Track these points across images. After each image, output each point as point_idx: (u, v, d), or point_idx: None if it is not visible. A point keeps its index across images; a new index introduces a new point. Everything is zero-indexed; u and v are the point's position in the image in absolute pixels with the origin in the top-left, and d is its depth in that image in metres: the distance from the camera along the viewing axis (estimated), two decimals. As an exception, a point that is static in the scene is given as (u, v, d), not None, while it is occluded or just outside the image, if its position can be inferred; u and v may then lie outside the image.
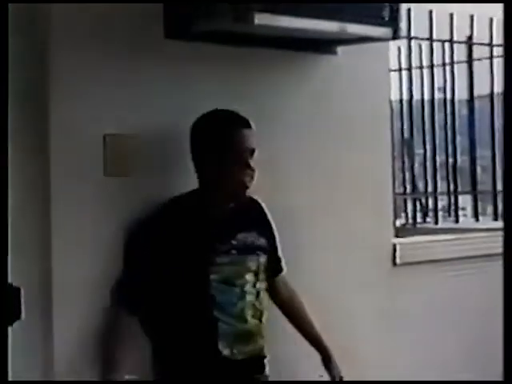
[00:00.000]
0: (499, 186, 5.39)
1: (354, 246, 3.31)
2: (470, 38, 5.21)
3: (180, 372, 2.61)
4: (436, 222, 5.26)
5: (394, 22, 2.96)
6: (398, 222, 4.98)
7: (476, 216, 5.36)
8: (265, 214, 2.81)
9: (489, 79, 5.26)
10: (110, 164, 2.65)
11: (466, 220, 5.49)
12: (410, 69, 5.35)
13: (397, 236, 3.67)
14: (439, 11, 5.00)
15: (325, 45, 3.14)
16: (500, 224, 4.96)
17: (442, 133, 5.37)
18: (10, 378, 2.09)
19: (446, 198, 5.48)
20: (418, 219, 5.48)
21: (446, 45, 5.24)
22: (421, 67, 5.35)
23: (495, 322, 3.87)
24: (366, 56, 3.27)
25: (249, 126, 2.66)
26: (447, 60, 5.27)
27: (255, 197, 2.78)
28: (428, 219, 5.49)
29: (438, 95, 5.32)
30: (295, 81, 3.15)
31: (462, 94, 5.37)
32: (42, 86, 2.54)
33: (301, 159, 3.16)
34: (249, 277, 2.67)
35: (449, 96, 5.35)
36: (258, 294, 2.70)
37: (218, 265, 2.61)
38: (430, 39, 5.11)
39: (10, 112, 2.13)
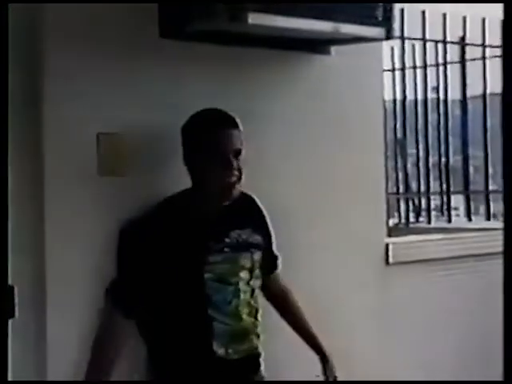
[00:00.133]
0: (491, 186, 5.40)
1: (347, 245, 3.31)
2: (463, 38, 5.21)
3: (175, 373, 2.59)
4: (429, 222, 5.27)
5: (387, 23, 2.96)
6: (391, 222, 4.99)
7: (468, 216, 5.37)
8: (259, 210, 2.79)
9: (481, 80, 5.27)
10: (103, 163, 2.64)
11: (458, 220, 5.50)
12: (403, 69, 5.36)
13: (390, 235, 3.67)
14: (432, 12, 5.00)
15: (319, 45, 3.14)
16: (492, 224, 4.98)
17: (435, 133, 5.38)
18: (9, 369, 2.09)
19: (438, 197, 5.49)
20: (411, 219, 5.49)
21: (439, 45, 5.25)
22: (414, 67, 5.36)
23: (488, 320, 3.89)
24: (359, 56, 3.27)
25: (233, 125, 2.64)
26: (440, 60, 5.27)
27: (249, 193, 2.77)
28: (421, 219, 5.49)
29: (431, 95, 5.33)
30: (289, 80, 3.14)
31: (454, 94, 5.38)
32: (36, 85, 2.54)
33: (294, 158, 3.15)
34: (243, 274, 2.66)
35: (442, 96, 5.36)
36: (252, 292, 2.69)
37: (211, 263, 2.60)
38: (423, 39, 5.11)
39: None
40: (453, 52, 5.26)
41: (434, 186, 5.43)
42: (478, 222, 5.23)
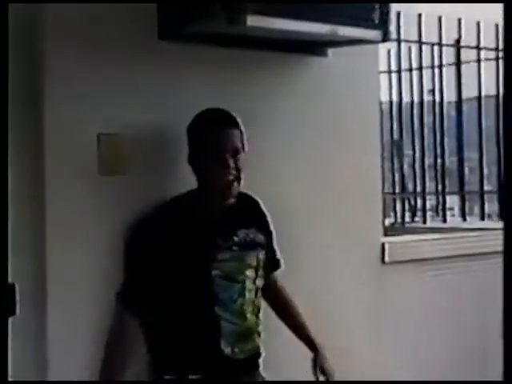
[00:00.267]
0: (486, 187, 5.40)
1: (343, 244, 3.31)
2: (458, 41, 5.21)
3: (179, 372, 2.57)
4: (424, 222, 5.27)
5: (383, 25, 2.96)
6: (387, 222, 4.98)
7: (463, 216, 5.38)
8: (261, 211, 2.80)
9: (476, 82, 5.27)
10: (103, 163, 2.64)
11: (453, 219, 5.50)
12: (399, 71, 5.35)
13: (386, 235, 3.67)
14: (428, 14, 5.00)
15: (316, 47, 3.14)
16: (487, 224, 4.99)
17: (431, 134, 5.38)
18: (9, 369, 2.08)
19: (434, 198, 5.49)
20: (407, 218, 5.49)
21: (435, 47, 5.24)
22: (410, 69, 5.36)
23: (482, 319, 3.89)
24: (356, 58, 3.26)
25: (232, 125, 2.64)
26: (436, 62, 5.27)
27: (251, 194, 2.77)
28: (416, 219, 5.49)
29: (427, 97, 5.33)
30: (287, 82, 3.14)
31: (450, 96, 5.38)
32: (37, 85, 2.53)
33: (292, 159, 3.15)
34: (249, 273, 2.66)
35: (437, 98, 5.36)
36: (256, 291, 2.69)
37: (219, 261, 2.59)
38: (419, 42, 5.11)
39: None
40: (448, 54, 5.26)
41: (430, 186, 5.43)
42: (473, 221, 5.23)
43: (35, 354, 2.52)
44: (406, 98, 5.39)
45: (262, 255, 2.72)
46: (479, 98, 5.30)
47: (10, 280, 2.29)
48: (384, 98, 5.14)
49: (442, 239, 3.92)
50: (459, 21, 5.10)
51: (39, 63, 2.54)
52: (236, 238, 2.64)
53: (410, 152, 5.50)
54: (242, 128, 2.66)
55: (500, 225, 4.90)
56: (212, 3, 2.64)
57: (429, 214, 5.40)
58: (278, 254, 2.85)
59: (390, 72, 5.41)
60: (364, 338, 3.35)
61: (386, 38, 2.99)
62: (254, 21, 2.61)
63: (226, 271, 2.60)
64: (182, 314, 2.58)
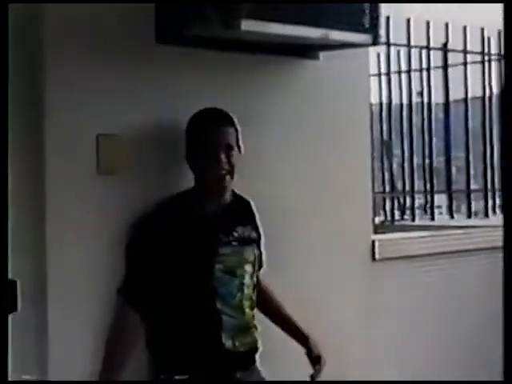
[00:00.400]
0: (473, 186, 5.42)
1: (335, 241, 3.31)
2: (446, 45, 5.22)
3: (180, 365, 2.56)
4: (413, 220, 5.28)
5: (373, 29, 2.96)
6: (378, 220, 4.98)
7: (451, 214, 5.39)
8: (253, 211, 2.81)
9: (463, 84, 5.28)
10: (102, 163, 2.64)
11: (441, 217, 5.51)
12: (388, 74, 5.36)
13: (376, 232, 3.67)
14: (416, 19, 5.01)
15: (308, 50, 3.14)
16: (473, 221, 5.00)
17: (420, 135, 5.38)
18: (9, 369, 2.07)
19: (422, 196, 5.49)
20: (396, 217, 5.49)
21: (423, 51, 5.25)
22: (399, 72, 5.37)
23: (470, 312, 3.90)
24: (347, 61, 3.26)
25: (225, 122, 2.65)
26: (424, 65, 5.28)
27: (244, 196, 2.78)
28: (405, 217, 5.49)
29: (415, 99, 5.33)
30: (280, 84, 3.14)
31: (438, 98, 5.38)
32: (39, 87, 2.53)
33: (284, 159, 3.15)
34: (248, 267, 2.67)
35: (426, 100, 5.36)
36: (254, 287, 2.70)
37: (221, 255, 2.60)
38: (408, 46, 5.12)
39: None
40: (436, 58, 5.26)
41: (418, 185, 5.43)
42: (460, 219, 5.24)
43: (36, 351, 2.51)
44: (395, 100, 5.39)
45: (257, 251, 2.73)
46: (466, 99, 5.31)
47: (10, 277, 2.28)
48: (374, 99, 5.15)
49: (430, 236, 3.93)
50: (446, 25, 5.12)
51: (40, 65, 2.53)
52: (235, 234, 2.66)
53: (399, 152, 5.50)
54: (238, 126, 2.67)
55: (486, 222, 4.91)
56: (208, 8, 2.64)
57: (417, 212, 5.40)
58: (264, 256, 2.85)
59: (379, 75, 5.41)
60: (355, 334, 3.35)
61: (375, 42, 3.00)
62: (248, 25, 2.62)
63: (227, 266, 2.60)
64: (183, 308, 2.57)
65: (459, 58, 5.23)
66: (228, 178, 2.63)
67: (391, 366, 3.43)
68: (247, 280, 2.66)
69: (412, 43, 5.09)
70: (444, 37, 5.16)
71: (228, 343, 2.58)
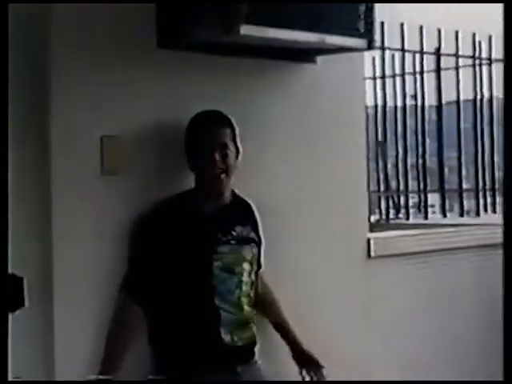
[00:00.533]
0: (465, 185, 5.42)
1: (331, 240, 3.31)
2: (438, 49, 5.22)
3: (181, 360, 2.56)
4: (407, 218, 5.27)
5: (368, 34, 2.97)
6: (373, 218, 4.98)
7: (444, 212, 5.38)
8: (254, 213, 2.81)
9: (455, 87, 5.28)
10: (106, 164, 2.64)
11: (434, 216, 5.50)
12: (383, 77, 5.36)
13: (371, 231, 3.67)
14: (410, 24, 5.01)
15: (305, 54, 3.14)
16: (465, 220, 5.00)
17: (413, 136, 5.38)
18: (9, 368, 2.06)
19: (416, 195, 5.49)
20: (391, 215, 5.49)
21: (417, 55, 5.25)
22: (393, 76, 5.36)
23: (463, 308, 3.90)
24: (343, 65, 3.26)
25: (222, 123, 2.66)
26: (417, 69, 5.28)
27: (245, 198, 2.78)
28: (400, 215, 5.49)
29: (409, 101, 5.34)
30: (279, 87, 3.14)
31: (431, 100, 5.39)
32: (44, 88, 2.53)
33: (282, 159, 3.15)
34: (245, 265, 2.67)
35: (419, 102, 5.36)
36: (252, 284, 2.70)
37: (219, 253, 2.61)
38: (402, 50, 5.11)
39: (13, 114, 2.10)
40: (429, 62, 5.27)
41: (412, 184, 5.43)
42: (453, 218, 5.24)
43: (42, 348, 2.51)
44: (389, 103, 5.39)
45: (255, 250, 2.73)
46: (458, 102, 5.31)
47: (16, 273, 2.27)
48: (369, 102, 5.15)
49: (423, 234, 3.93)
50: (439, 30, 5.12)
51: (45, 66, 2.53)
52: (234, 233, 2.66)
53: (394, 153, 5.50)
54: (235, 127, 2.67)
55: (477, 221, 4.91)
56: (208, 14, 2.64)
57: (411, 211, 5.40)
58: (262, 258, 2.85)
59: (374, 78, 5.41)
60: (350, 330, 3.35)
61: (370, 46, 3.01)
62: (247, 30, 2.62)
63: (226, 263, 2.61)
64: (183, 305, 2.58)
65: (451, 61, 5.23)
66: (224, 176, 2.63)
67: (387, 362, 3.43)
68: (245, 278, 2.66)
69: (406, 48, 5.08)
70: (437, 41, 5.17)
71: (227, 338, 2.58)
